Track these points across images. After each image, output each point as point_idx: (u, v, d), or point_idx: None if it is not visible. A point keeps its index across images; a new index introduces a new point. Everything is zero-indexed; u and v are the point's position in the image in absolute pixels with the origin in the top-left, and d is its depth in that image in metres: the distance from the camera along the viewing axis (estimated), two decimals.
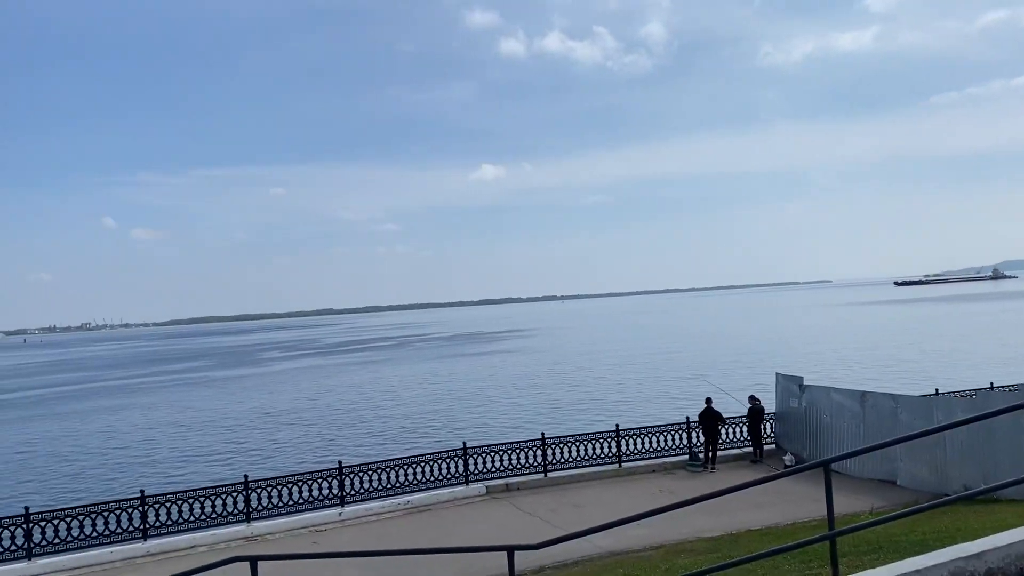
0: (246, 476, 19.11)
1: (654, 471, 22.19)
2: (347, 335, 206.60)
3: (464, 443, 21.40)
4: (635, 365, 70.21)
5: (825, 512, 5.43)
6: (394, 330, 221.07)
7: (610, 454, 22.06)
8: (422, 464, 20.48)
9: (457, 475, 20.71)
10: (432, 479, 20.48)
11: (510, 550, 6.36)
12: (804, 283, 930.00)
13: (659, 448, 22.56)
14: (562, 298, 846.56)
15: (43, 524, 16.85)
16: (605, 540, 15.18)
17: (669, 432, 22.77)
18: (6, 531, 16.57)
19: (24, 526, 16.62)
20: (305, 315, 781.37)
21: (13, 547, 16.54)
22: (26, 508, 17.15)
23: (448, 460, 20.75)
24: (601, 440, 22.15)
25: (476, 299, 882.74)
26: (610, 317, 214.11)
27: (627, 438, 22.33)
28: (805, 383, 22.88)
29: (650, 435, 22.59)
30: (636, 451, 22.34)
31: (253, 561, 6.03)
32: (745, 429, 23.37)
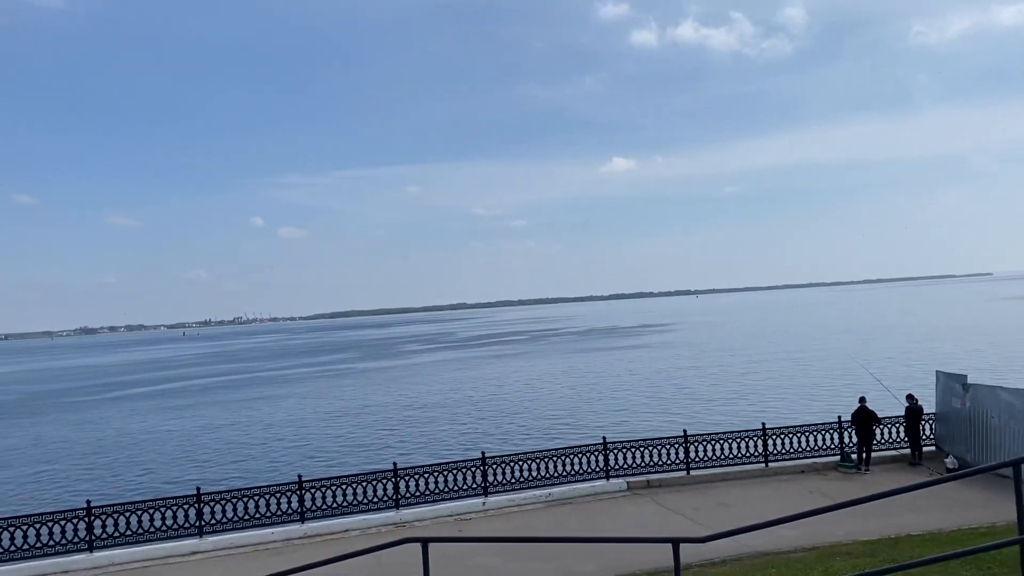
0: (395, 464, 19.76)
1: (803, 471, 21.39)
2: (481, 329, 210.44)
3: (604, 438, 21.34)
4: (779, 361, 67.94)
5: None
6: (526, 324, 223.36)
7: (756, 453, 21.42)
8: (563, 457, 20.55)
9: (597, 470, 20.67)
10: (572, 473, 20.51)
11: (675, 542, 6.28)
12: (962, 276, 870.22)
13: (808, 448, 21.71)
14: (697, 293, 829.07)
15: (212, 504, 18.08)
16: (754, 540, 14.77)
17: (819, 432, 21.87)
18: (180, 510, 17.87)
19: (196, 506, 17.89)
20: (440, 309, 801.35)
21: (187, 524, 17.83)
22: (197, 488, 18.45)
23: (589, 454, 20.73)
24: (747, 439, 21.54)
25: (606, 294, 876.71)
26: (750, 312, 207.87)
27: (774, 437, 21.62)
28: (969, 382, 21.42)
29: (799, 434, 21.77)
30: (784, 451, 21.59)
31: (424, 543, 6.25)
32: (902, 430, 22.15)
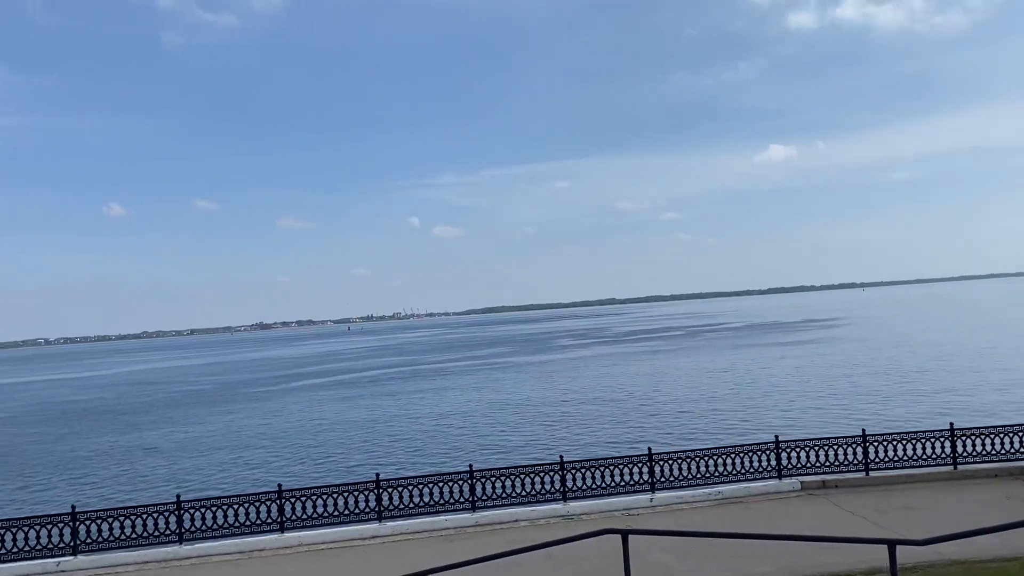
0: (561, 457, 19.98)
1: (997, 476, 19.85)
2: (634, 324, 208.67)
3: (776, 436, 20.67)
4: (965, 358, 63.35)
5: None
6: (681, 319, 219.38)
7: (943, 455, 20.08)
8: (732, 455, 20.06)
9: (769, 468, 20.03)
10: (742, 471, 19.99)
11: (891, 544, 6.03)
12: None
13: (1004, 451, 20.12)
14: (862, 285, 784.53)
15: (390, 491, 18.89)
16: (946, 547, 13.89)
17: (1017, 433, 20.21)
18: (361, 495, 18.80)
19: (376, 492, 18.77)
20: (589, 304, 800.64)
21: (367, 509, 18.73)
22: (377, 475, 19.38)
23: (759, 453, 20.12)
24: (932, 439, 20.23)
25: (764, 288, 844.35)
26: (923, 305, 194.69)
27: (963, 438, 20.18)
28: None
29: (992, 436, 20.20)
30: (975, 453, 20.12)
31: (624, 535, 6.31)
32: None
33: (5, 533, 17.79)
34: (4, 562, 17.63)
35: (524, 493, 19.29)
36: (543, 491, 19.39)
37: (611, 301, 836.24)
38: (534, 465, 19.94)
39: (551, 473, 19.46)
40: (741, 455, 20.09)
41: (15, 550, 17.71)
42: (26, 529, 17.89)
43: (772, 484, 19.86)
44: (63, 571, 17.52)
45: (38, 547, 17.79)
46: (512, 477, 19.37)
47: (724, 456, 20.01)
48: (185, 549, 18.02)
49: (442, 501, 19.01)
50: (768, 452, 20.10)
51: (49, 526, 17.91)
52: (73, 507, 18.34)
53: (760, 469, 20.02)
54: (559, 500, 19.31)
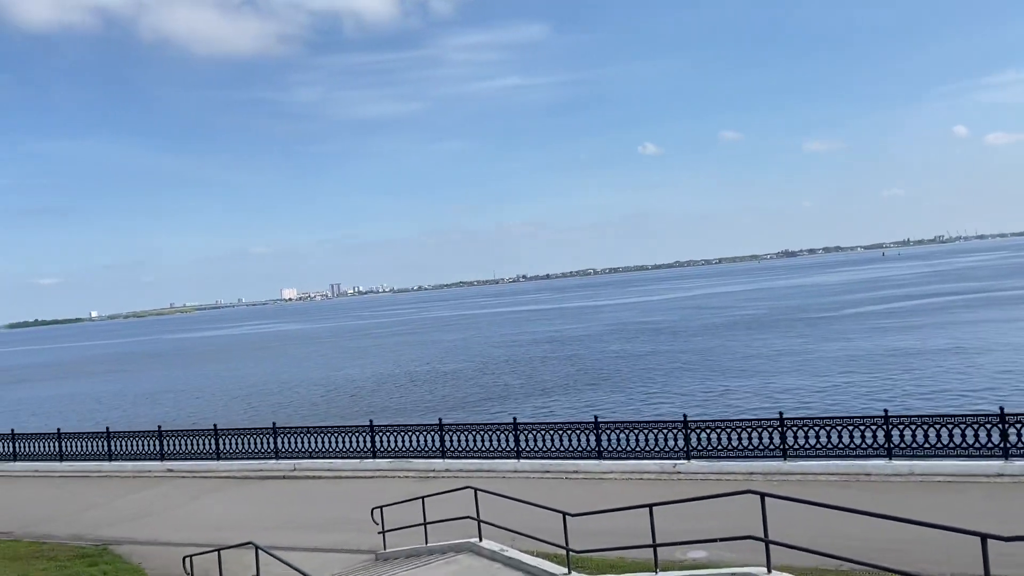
0: None
1: None
2: None
3: None
4: None
5: None
6: None
7: None
8: None
9: None
10: None
11: None
12: None
13: None
14: None
15: (1017, 427, 16.67)
16: None
17: None
18: (982, 429, 16.85)
19: (1000, 426, 16.68)
20: None
21: (990, 445, 16.76)
22: (1001, 407, 17.31)
23: None
24: None
25: None
26: None
27: None
28: None
29: None
30: None
31: None
32: None
33: (629, 434, 20.27)
34: (627, 459, 20.10)
35: None
36: None
37: None
38: None
39: None
40: None
41: (637, 450, 20.06)
42: (646, 432, 20.11)
43: None
44: (679, 472, 19.27)
45: (657, 449, 19.86)
46: None
47: None
48: (788, 465, 18.35)
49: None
50: None
51: (665, 431, 19.84)
52: (684, 416, 20.00)
53: None
54: None
